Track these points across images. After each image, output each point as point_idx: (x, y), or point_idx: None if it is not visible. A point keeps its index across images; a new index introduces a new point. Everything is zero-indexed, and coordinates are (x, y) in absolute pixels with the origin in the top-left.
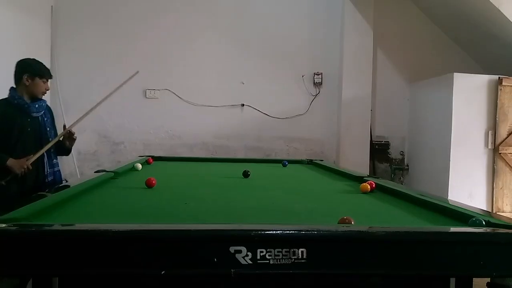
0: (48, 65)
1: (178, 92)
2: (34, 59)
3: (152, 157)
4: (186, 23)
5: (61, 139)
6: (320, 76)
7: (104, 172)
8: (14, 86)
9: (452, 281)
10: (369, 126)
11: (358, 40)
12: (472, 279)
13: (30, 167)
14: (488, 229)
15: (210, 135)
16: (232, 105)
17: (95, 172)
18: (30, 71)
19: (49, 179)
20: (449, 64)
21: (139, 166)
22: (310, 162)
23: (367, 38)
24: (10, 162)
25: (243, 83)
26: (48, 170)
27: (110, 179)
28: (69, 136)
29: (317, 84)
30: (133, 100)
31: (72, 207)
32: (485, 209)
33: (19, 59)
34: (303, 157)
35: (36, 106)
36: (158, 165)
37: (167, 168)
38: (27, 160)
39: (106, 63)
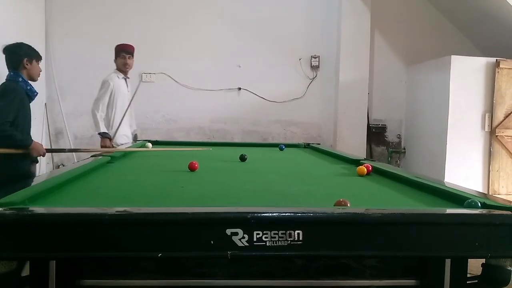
0: (43, 50)
1: (174, 75)
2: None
3: (149, 141)
4: (182, 6)
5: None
6: (317, 59)
7: (100, 156)
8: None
9: (448, 262)
10: (366, 109)
11: (355, 22)
12: (468, 260)
13: (45, 155)
14: (484, 211)
15: (206, 119)
16: (229, 88)
17: (91, 156)
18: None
19: None
20: (447, 47)
21: (150, 145)
22: (307, 146)
23: (365, 20)
24: (34, 145)
25: (240, 67)
26: None
27: (106, 163)
28: None
29: (314, 67)
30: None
31: (68, 191)
32: (481, 191)
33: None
34: (300, 141)
35: (35, 93)
36: (155, 149)
37: (164, 152)
38: (45, 149)
39: (101, 46)
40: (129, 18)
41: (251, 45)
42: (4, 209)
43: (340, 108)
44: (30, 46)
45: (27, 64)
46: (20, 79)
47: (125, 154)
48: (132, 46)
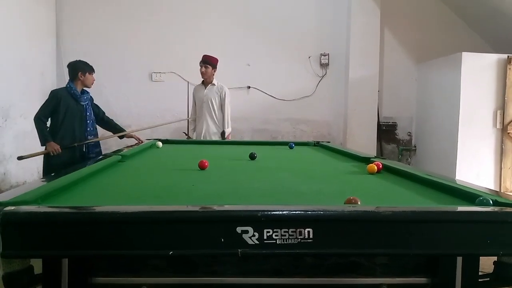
0: (53, 50)
1: (184, 74)
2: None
3: (160, 140)
4: (191, 5)
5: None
6: (326, 57)
7: (111, 156)
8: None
9: (459, 260)
10: (376, 107)
11: (365, 20)
12: (479, 258)
13: (60, 151)
14: (496, 208)
15: None
16: (238, 87)
17: (102, 155)
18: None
19: (91, 155)
20: (457, 43)
21: (160, 143)
22: (316, 144)
23: (374, 18)
24: (49, 144)
25: (249, 65)
26: (88, 149)
27: (117, 162)
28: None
29: (324, 65)
30: (139, 84)
31: (79, 190)
32: (493, 188)
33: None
34: (310, 139)
35: (84, 97)
36: (166, 148)
37: (174, 151)
38: (61, 147)
39: (111, 46)
40: (139, 18)
41: (260, 44)
42: (17, 208)
43: (350, 106)
44: (85, 62)
45: (81, 76)
46: (68, 86)
47: (135, 153)
48: (209, 56)
